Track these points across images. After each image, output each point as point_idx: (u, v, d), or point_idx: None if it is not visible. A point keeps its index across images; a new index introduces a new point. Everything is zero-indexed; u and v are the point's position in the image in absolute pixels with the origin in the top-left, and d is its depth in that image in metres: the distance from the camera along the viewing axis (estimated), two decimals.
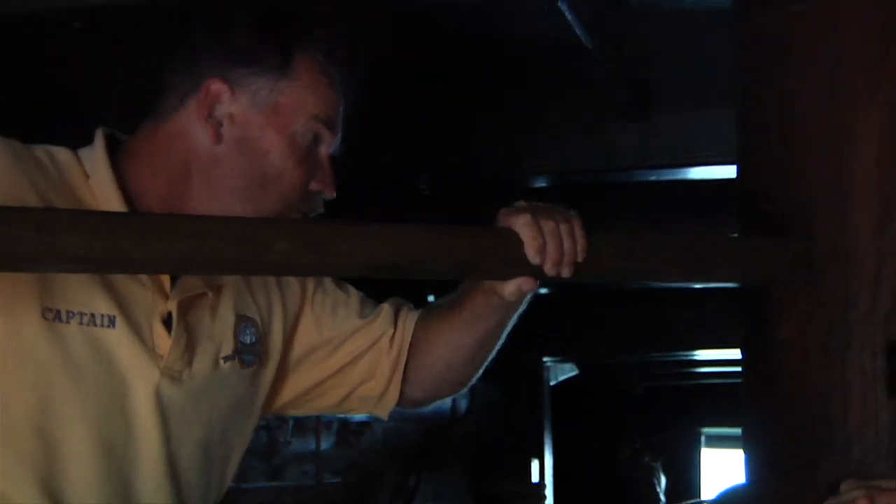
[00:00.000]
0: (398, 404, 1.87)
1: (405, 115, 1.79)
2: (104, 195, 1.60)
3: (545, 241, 1.58)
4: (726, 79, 2.10)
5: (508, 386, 5.09)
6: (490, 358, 1.86)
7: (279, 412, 1.91)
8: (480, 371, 1.86)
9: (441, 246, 1.59)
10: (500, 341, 1.83)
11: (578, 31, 2.25)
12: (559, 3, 2.12)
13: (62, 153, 1.62)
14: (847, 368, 1.83)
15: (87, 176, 1.63)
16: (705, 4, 1.97)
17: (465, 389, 1.93)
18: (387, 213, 1.64)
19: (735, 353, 2.10)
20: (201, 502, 1.75)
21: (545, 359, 6.36)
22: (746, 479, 2.03)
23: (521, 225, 1.58)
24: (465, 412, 5.29)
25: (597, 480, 7.40)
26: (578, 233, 1.61)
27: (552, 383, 6.35)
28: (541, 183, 3.03)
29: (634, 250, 1.72)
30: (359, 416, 4.62)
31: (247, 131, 1.63)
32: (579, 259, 1.60)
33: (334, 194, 1.70)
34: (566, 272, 1.60)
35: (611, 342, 5.59)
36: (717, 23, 2.08)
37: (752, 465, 2.00)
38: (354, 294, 1.88)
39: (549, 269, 1.59)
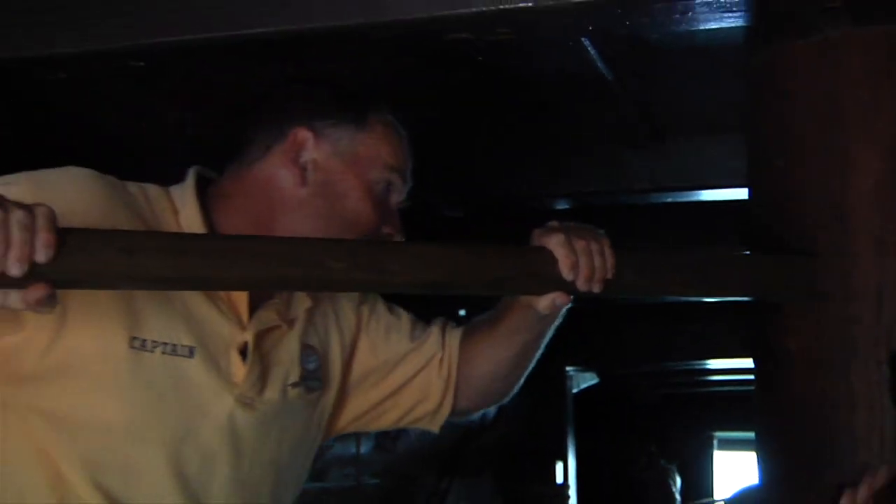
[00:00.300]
0: (453, 412, 1.89)
1: (434, 145, 1.83)
2: (191, 229, 1.61)
3: (578, 258, 1.60)
4: (734, 110, 2.14)
5: (534, 394, 5.08)
6: (530, 368, 1.88)
7: (340, 432, 1.92)
8: (522, 380, 1.89)
9: (482, 264, 1.61)
10: (539, 353, 1.86)
11: (600, 66, 2.28)
12: (583, 40, 2.14)
13: (153, 189, 1.66)
14: (852, 378, 1.86)
15: (176, 211, 1.65)
16: (717, 41, 1.98)
17: (498, 400, 1.96)
18: (416, 236, 1.68)
19: (745, 362, 2.11)
20: None
21: (568, 368, 6.25)
22: (759, 481, 2.07)
23: (556, 244, 1.61)
24: (494, 419, 5.26)
25: (616, 482, 7.36)
26: (608, 251, 1.63)
27: (574, 391, 6.31)
28: (561, 206, 3.07)
29: (657, 268, 1.75)
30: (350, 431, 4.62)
31: (329, 176, 1.67)
32: (608, 276, 1.63)
33: (403, 239, 1.72)
34: (597, 288, 1.62)
35: (628, 353, 5.59)
36: (728, 57, 2.10)
37: (764, 468, 2.05)
38: (405, 317, 1.90)
39: (581, 285, 1.61)
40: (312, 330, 1.79)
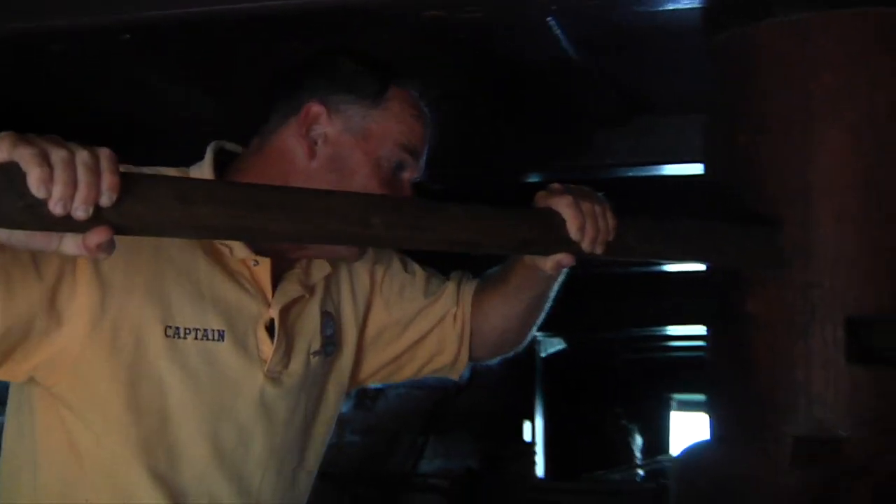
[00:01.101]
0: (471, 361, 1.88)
1: None
2: None
3: (585, 220, 1.56)
4: (697, 87, 2.12)
5: (505, 358, 5.10)
6: (539, 322, 1.87)
7: (362, 384, 1.91)
8: (534, 330, 1.88)
9: (507, 226, 1.58)
10: (546, 307, 1.84)
11: (566, 45, 2.24)
12: (549, 19, 2.10)
13: (170, 171, 1.59)
14: (810, 339, 1.86)
15: None
16: (677, 21, 1.94)
17: (511, 349, 1.97)
18: None
19: (700, 329, 2.11)
20: (304, 484, 1.77)
21: (537, 334, 6.24)
22: (709, 438, 2.06)
23: (565, 206, 1.58)
24: (469, 381, 5.27)
25: (581, 440, 7.39)
26: (609, 215, 1.60)
27: (543, 355, 6.34)
28: (535, 180, 3.02)
29: (654, 234, 1.73)
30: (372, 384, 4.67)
31: (338, 151, 1.61)
32: (610, 238, 1.60)
33: None
34: (600, 250, 1.59)
35: (593, 321, 5.55)
36: (692, 37, 2.05)
37: (716, 425, 2.04)
38: (420, 273, 1.88)
39: (586, 247, 1.58)
40: (328, 296, 1.77)
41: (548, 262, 1.64)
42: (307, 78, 1.65)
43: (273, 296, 1.65)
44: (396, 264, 1.88)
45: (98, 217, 1.19)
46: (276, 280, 1.66)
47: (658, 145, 2.76)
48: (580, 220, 1.56)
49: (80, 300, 1.48)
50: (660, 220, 1.75)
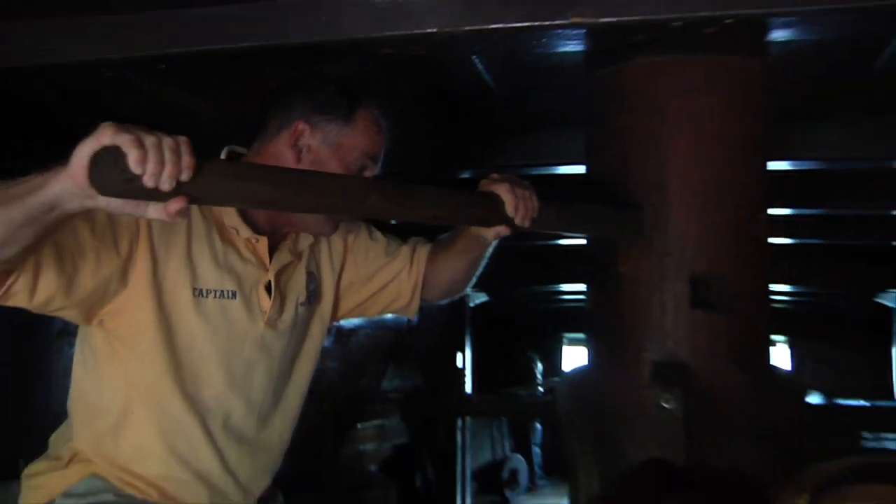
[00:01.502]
0: (424, 302, 1.87)
1: None
2: None
3: (518, 202, 1.56)
4: (580, 108, 2.11)
5: (444, 308, 5.11)
6: (476, 276, 1.85)
7: (341, 320, 1.88)
8: (473, 282, 1.86)
9: (465, 204, 1.58)
10: (482, 264, 1.82)
11: (486, 77, 2.24)
12: (473, 57, 2.11)
13: None
14: (664, 292, 1.88)
15: None
16: (566, 60, 1.93)
17: (456, 295, 1.93)
18: None
19: (582, 287, 2.12)
20: (296, 400, 1.75)
21: (467, 290, 6.26)
22: (588, 363, 2.08)
23: (504, 190, 1.57)
24: (417, 324, 5.26)
25: (498, 366, 7.42)
26: (534, 198, 1.60)
27: (471, 305, 6.34)
28: (464, 176, 3.00)
29: (560, 213, 1.72)
30: (348, 324, 4.68)
31: (318, 157, 1.59)
32: (535, 216, 1.60)
33: None
34: (527, 224, 1.59)
35: (508, 280, 5.52)
36: (574, 72, 2.05)
37: (594, 355, 2.05)
38: (382, 239, 1.85)
39: (518, 221, 1.58)
40: (312, 260, 1.76)
41: (490, 232, 1.64)
42: (296, 101, 1.63)
43: (270, 263, 1.64)
44: (364, 233, 1.86)
45: (178, 189, 1.17)
46: (272, 251, 1.65)
47: (552, 151, 2.75)
48: (515, 201, 1.57)
49: (139, 270, 1.49)
50: (565, 204, 1.76)
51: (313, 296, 1.75)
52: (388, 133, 1.68)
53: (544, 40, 1.72)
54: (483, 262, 1.84)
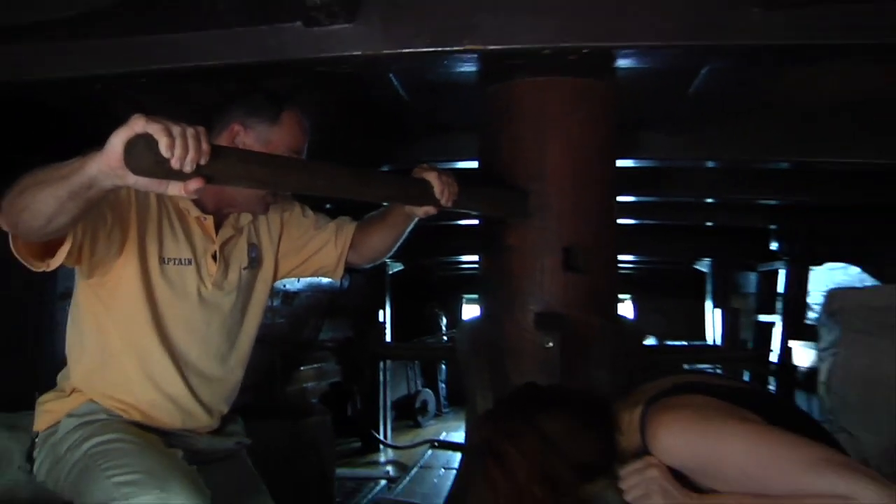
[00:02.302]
0: (351, 265, 1.81)
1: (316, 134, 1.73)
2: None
3: (444, 186, 1.55)
4: (475, 114, 2.09)
5: (367, 274, 5.03)
6: (399, 244, 1.79)
7: (281, 279, 1.81)
8: (395, 248, 1.80)
9: (404, 186, 1.57)
10: (404, 237, 1.78)
11: (401, 91, 2.22)
12: (390, 75, 2.10)
13: None
14: (544, 259, 1.89)
15: None
16: (464, 77, 1.89)
17: (382, 259, 1.86)
18: None
19: (477, 257, 2.13)
20: (247, 345, 1.71)
21: (386, 259, 6.18)
22: (479, 315, 2.07)
23: (433, 177, 1.56)
24: (348, 287, 5.19)
25: (411, 320, 7.40)
26: (454, 182, 1.59)
27: (390, 273, 6.30)
28: (387, 169, 2.94)
29: (471, 195, 1.70)
30: (293, 287, 4.60)
31: None
32: (455, 197, 1.58)
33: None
34: (450, 204, 1.57)
35: (420, 251, 5.46)
36: (471, 86, 2.02)
37: (484, 310, 2.05)
38: (312, 216, 1.79)
39: (444, 202, 1.57)
40: (253, 232, 1.72)
41: (420, 210, 1.63)
42: (232, 108, 1.60)
43: (216, 236, 1.62)
44: (298, 210, 1.82)
45: (197, 171, 1.15)
46: (218, 227, 1.63)
47: (453, 150, 2.72)
48: (441, 186, 1.57)
49: (123, 235, 1.48)
50: (474, 189, 1.76)
51: (255, 262, 1.72)
52: (311, 132, 1.65)
53: (446, 62, 1.72)
54: (404, 236, 1.82)
